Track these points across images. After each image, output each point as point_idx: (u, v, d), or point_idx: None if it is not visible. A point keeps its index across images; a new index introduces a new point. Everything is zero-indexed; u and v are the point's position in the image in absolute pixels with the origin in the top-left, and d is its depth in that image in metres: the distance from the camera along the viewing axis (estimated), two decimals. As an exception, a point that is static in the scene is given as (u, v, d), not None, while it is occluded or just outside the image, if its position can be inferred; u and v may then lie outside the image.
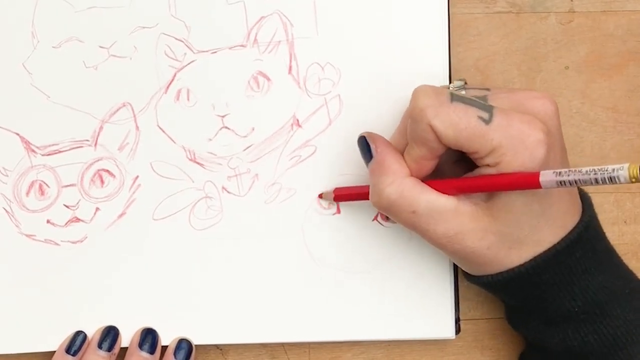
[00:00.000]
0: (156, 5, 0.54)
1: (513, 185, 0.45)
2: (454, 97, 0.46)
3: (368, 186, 0.50)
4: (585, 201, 0.50)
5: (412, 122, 0.47)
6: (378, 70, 0.55)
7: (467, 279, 0.52)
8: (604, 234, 0.51)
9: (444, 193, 0.47)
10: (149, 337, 0.53)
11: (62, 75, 0.54)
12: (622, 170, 0.40)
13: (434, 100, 0.46)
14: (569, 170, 0.42)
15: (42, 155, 0.54)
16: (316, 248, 0.54)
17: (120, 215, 0.54)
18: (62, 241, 0.54)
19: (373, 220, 0.55)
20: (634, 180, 0.40)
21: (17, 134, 0.54)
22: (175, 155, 0.54)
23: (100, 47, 0.54)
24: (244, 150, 0.54)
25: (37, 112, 0.54)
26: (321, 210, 0.55)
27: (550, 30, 0.57)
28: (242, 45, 0.55)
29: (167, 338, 0.54)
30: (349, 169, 0.55)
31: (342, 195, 0.53)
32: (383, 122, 0.54)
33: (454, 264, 0.54)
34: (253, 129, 0.54)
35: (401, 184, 0.48)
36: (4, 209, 0.54)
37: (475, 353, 0.56)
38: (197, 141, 0.54)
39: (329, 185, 0.54)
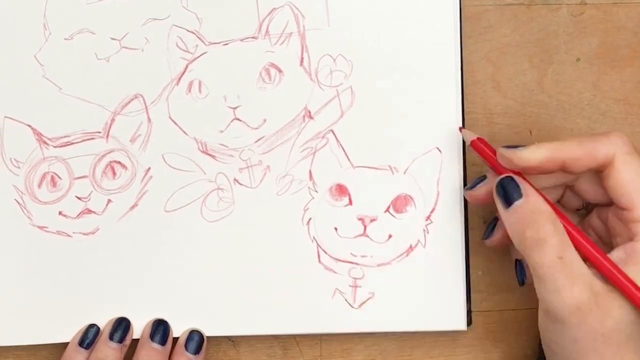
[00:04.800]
0: (168, -3, 0.54)
1: None
2: None
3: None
4: None
5: None
6: (390, 61, 0.55)
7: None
8: None
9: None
10: (160, 329, 0.53)
11: (74, 67, 0.54)
12: None
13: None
14: None
15: (54, 147, 0.54)
16: (328, 240, 0.54)
17: (132, 207, 0.54)
18: (74, 233, 0.54)
19: (385, 212, 0.55)
20: None
21: (29, 126, 0.54)
22: (187, 147, 0.54)
23: (112, 39, 0.54)
24: (256, 142, 0.55)
25: (49, 104, 0.54)
26: (333, 202, 0.55)
27: (562, 22, 0.57)
28: (253, 37, 0.55)
29: (178, 330, 0.54)
30: (361, 161, 0.55)
31: (480, 149, 0.50)
32: (395, 114, 0.55)
33: (466, 255, 0.54)
34: (265, 121, 0.55)
35: (559, 227, 0.46)
36: (16, 200, 0.54)
37: (487, 345, 0.56)
38: (209, 133, 0.54)
39: (341, 177, 0.54)
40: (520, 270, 0.52)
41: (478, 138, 0.51)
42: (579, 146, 0.47)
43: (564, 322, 0.46)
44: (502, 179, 0.48)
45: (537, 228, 0.46)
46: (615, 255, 0.47)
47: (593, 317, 0.45)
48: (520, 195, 0.47)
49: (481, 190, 0.51)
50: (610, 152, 0.47)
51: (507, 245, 0.52)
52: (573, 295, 0.45)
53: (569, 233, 0.47)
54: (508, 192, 0.48)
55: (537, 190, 0.48)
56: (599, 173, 0.49)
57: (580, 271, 0.46)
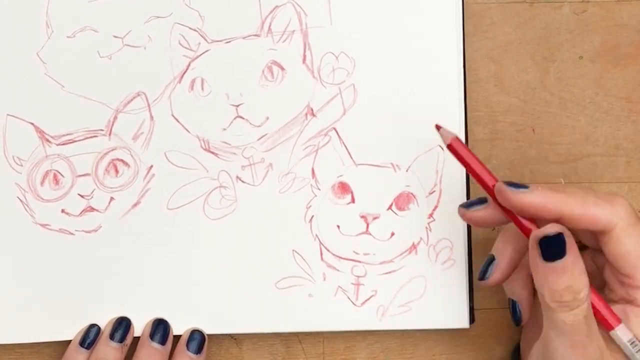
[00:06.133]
0: (170, -5, 0.54)
1: None
2: None
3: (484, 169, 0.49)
4: None
5: None
6: (392, 59, 0.55)
7: None
8: None
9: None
10: (160, 328, 0.53)
11: (77, 64, 0.54)
12: None
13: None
14: None
15: (57, 144, 0.54)
16: (330, 238, 0.54)
17: (135, 205, 0.54)
18: (76, 231, 0.54)
19: (387, 209, 0.55)
20: None
21: (32, 124, 0.54)
22: (190, 145, 0.54)
23: (115, 36, 0.54)
24: (258, 139, 0.55)
25: (52, 102, 0.54)
26: (335, 199, 0.55)
27: (564, 19, 0.57)
28: (256, 35, 0.55)
29: (181, 328, 0.54)
30: (364, 159, 0.54)
31: (458, 153, 0.49)
32: (397, 112, 0.55)
33: (468, 254, 0.54)
34: (267, 119, 0.55)
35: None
36: (19, 198, 0.54)
37: (490, 342, 0.56)
38: (212, 131, 0.54)
39: (343, 175, 0.54)
40: (517, 311, 0.51)
41: (453, 138, 0.49)
42: (581, 207, 0.47)
43: None
44: (549, 233, 0.46)
45: (577, 290, 0.45)
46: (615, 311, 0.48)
47: None
48: (564, 253, 0.46)
49: (478, 214, 0.50)
50: (612, 223, 0.47)
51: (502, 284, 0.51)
52: (587, 352, 0.46)
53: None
54: (552, 248, 0.46)
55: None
56: (597, 233, 0.48)
57: (596, 333, 0.46)
